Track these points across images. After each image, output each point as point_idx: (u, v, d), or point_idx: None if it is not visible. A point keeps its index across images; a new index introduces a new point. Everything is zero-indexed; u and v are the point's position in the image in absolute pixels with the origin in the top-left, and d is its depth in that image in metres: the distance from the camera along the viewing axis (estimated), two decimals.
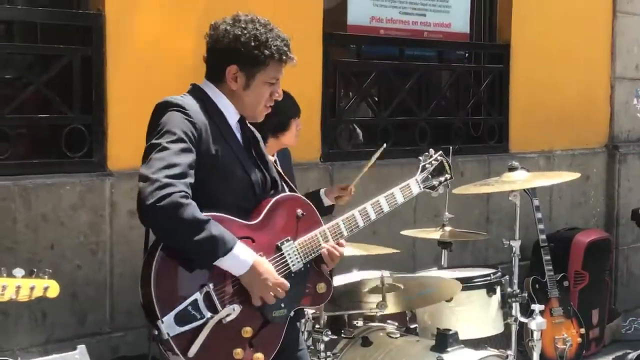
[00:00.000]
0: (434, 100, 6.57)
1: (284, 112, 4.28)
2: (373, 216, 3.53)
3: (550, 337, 5.93)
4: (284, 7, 5.23)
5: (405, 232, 5.26)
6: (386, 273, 4.32)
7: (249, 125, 3.41)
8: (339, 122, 6.00)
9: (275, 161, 4.39)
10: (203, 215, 3.02)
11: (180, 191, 2.97)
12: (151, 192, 2.95)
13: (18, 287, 3.36)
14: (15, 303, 3.51)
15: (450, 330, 4.28)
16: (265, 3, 4.93)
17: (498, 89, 6.89)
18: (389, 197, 3.61)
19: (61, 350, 3.86)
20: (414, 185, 3.73)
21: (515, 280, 4.99)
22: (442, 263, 5.12)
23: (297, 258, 3.28)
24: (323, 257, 3.33)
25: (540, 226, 6.09)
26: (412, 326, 4.74)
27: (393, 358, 4.24)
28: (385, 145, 4.49)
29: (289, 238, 3.28)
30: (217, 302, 3.07)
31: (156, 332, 2.99)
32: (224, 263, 3.07)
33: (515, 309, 4.87)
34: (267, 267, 3.16)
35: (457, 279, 4.62)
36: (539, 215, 6.09)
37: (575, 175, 5.42)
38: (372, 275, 4.38)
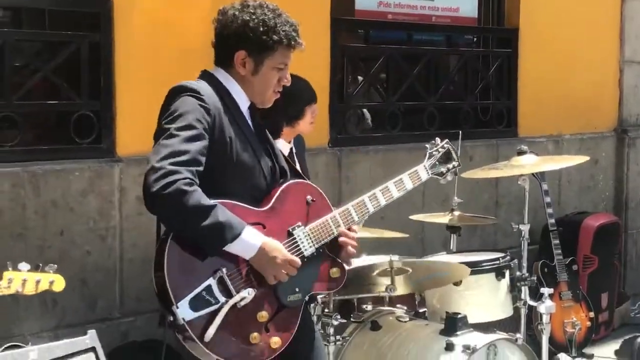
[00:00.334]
0: (442, 84, 6.55)
1: (298, 99, 4.26)
2: (383, 201, 3.53)
3: (560, 320, 5.93)
4: None
5: (414, 217, 5.26)
6: (395, 257, 4.33)
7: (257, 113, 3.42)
8: (348, 107, 6.00)
9: (291, 149, 4.40)
10: (209, 201, 3.02)
11: (185, 178, 2.97)
12: (155, 180, 2.96)
13: (24, 281, 3.38)
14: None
15: (459, 314, 4.29)
16: None
17: (506, 73, 6.87)
18: (398, 182, 3.61)
19: (71, 335, 3.86)
20: (422, 171, 3.73)
21: (525, 264, 4.99)
22: (451, 247, 5.13)
23: (309, 243, 3.29)
24: (342, 244, 3.34)
25: (549, 210, 6.09)
26: (421, 310, 4.75)
27: (402, 342, 4.25)
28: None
29: (300, 224, 3.30)
30: (231, 286, 3.09)
31: (171, 319, 3.00)
32: (233, 248, 3.08)
33: (525, 292, 4.88)
34: (276, 245, 3.17)
35: (466, 262, 4.63)
36: (547, 199, 6.08)
37: (585, 159, 5.42)
38: (381, 260, 4.38)
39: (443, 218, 5.09)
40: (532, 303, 4.91)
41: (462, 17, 6.74)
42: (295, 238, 3.27)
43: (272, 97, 3.39)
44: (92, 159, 4.71)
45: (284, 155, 3.51)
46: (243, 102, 3.33)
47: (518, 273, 4.84)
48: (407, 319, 4.45)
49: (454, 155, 3.86)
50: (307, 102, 4.35)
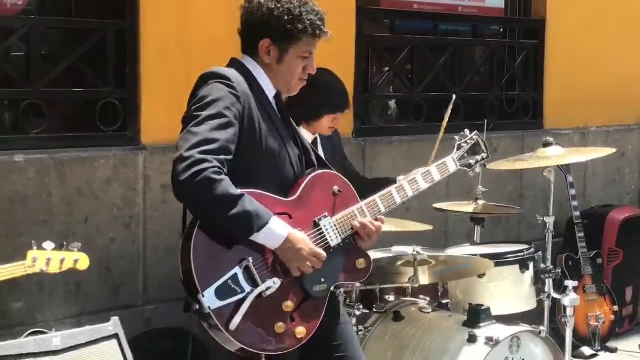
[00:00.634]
0: (468, 75, 6.52)
1: (320, 103, 4.26)
2: (410, 193, 3.51)
3: (583, 314, 5.90)
4: None
5: (437, 205, 5.24)
6: (418, 249, 4.31)
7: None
8: (372, 97, 5.98)
9: (315, 138, 4.40)
10: (237, 191, 3.02)
11: (214, 167, 2.97)
12: (184, 168, 2.95)
13: (48, 259, 3.41)
14: (48, 275, 3.56)
15: (482, 305, 4.27)
16: None
17: (533, 64, 6.83)
18: (426, 174, 3.59)
19: (95, 322, 3.88)
20: (451, 163, 3.71)
21: (549, 257, 4.96)
22: (475, 239, 5.11)
23: (335, 234, 3.28)
24: (358, 232, 3.32)
25: (574, 203, 6.05)
26: (444, 301, 4.73)
27: (424, 333, 4.24)
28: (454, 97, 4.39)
29: (326, 214, 3.29)
30: (257, 276, 3.08)
31: (197, 307, 3.00)
32: (259, 238, 3.07)
33: (549, 285, 4.86)
34: (302, 237, 3.16)
35: (490, 254, 4.61)
36: (572, 192, 6.05)
37: (611, 151, 5.38)
38: (404, 251, 4.37)
39: (467, 207, 5.07)
40: (556, 296, 4.89)
41: (489, 8, 6.70)
42: (321, 228, 3.26)
43: (298, 86, 3.38)
44: (117, 146, 4.72)
45: (311, 146, 3.50)
46: (270, 90, 3.32)
47: (542, 265, 4.82)
48: (430, 310, 4.44)
49: (483, 147, 3.84)
50: (328, 110, 4.32)
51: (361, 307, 4.25)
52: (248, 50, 3.32)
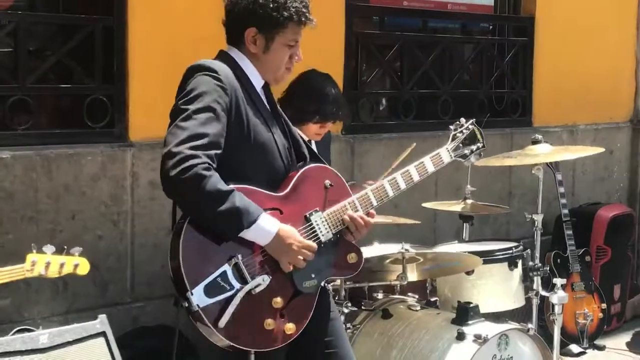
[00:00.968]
0: (457, 73, 6.52)
1: (309, 109, 4.26)
2: (403, 185, 3.47)
3: (572, 312, 5.91)
4: None
5: (426, 205, 5.24)
6: (407, 246, 4.31)
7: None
8: (361, 94, 5.97)
9: (309, 140, 4.38)
10: (226, 187, 3.00)
11: (203, 162, 2.95)
12: (173, 164, 2.93)
13: (48, 263, 3.36)
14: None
15: (471, 303, 4.28)
16: None
17: (522, 62, 6.83)
18: (419, 166, 3.54)
19: (82, 319, 3.86)
20: (445, 154, 3.66)
21: (537, 254, 4.97)
22: (463, 236, 5.10)
23: (326, 228, 3.26)
24: (348, 226, 3.30)
25: (563, 200, 6.06)
26: (433, 299, 4.74)
27: (413, 330, 4.24)
28: (414, 145, 4.41)
29: (317, 209, 3.27)
30: (246, 273, 3.07)
31: (186, 305, 2.99)
32: (248, 234, 3.06)
33: (537, 282, 4.87)
34: (292, 231, 3.15)
35: (479, 252, 4.61)
36: (561, 189, 6.06)
37: (599, 149, 5.39)
38: (393, 249, 4.37)
39: (456, 206, 5.06)
40: (544, 293, 4.90)
41: (478, 5, 6.69)
42: (312, 223, 3.24)
43: (285, 75, 3.37)
44: (105, 143, 4.70)
45: (302, 138, 3.47)
46: (257, 81, 3.30)
47: (531, 263, 4.83)
48: (419, 308, 4.44)
49: (479, 136, 3.78)
50: (320, 119, 4.32)
51: (350, 304, 4.25)
52: (234, 40, 3.31)
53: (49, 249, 3.38)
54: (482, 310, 4.31)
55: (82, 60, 4.72)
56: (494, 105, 6.73)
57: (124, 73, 4.73)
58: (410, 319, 4.32)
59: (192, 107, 3.04)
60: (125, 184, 4.73)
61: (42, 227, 4.43)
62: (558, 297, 4.72)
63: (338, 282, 4.19)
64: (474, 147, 3.76)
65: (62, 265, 3.38)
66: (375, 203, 3.39)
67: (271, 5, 3.20)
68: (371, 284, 4.44)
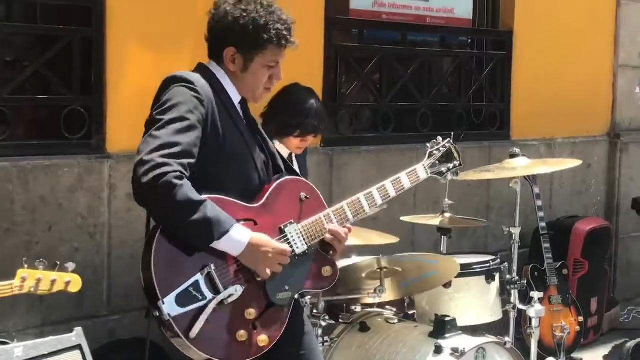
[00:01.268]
0: (436, 86, 6.54)
1: (292, 123, 4.27)
2: (379, 200, 3.47)
3: (549, 325, 5.91)
4: None
5: (404, 218, 5.24)
6: (384, 258, 4.30)
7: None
8: (340, 107, 5.97)
9: (290, 153, 4.38)
10: (198, 197, 2.99)
11: (175, 171, 2.94)
12: (144, 172, 2.92)
13: (39, 280, 3.29)
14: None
15: (448, 316, 4.28)
16: None
17: (500, 75, 6.86)
18: (395, 181, 3.54)
19: (58, 332, 3.84)
20: (421, 170, 3.66)
21: (515, 268, 4.99)
22: (442, 249, 5.11)
23: (300, 241, 3.25)
24: (329, 240, 3.29)
25: (541, 214, 6.07)
26: (411, 312, 4.73)
27: (391, 344, 4.23)
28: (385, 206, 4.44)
29: (292, 221, 3.26)
30: (219, 283, 3.06)
31: (157, 314, 2.97)
32: (220, 245, 3.05)
33: (514, 296, 4.88)
34: (265, 239, 3.13)
35: None
36: (539, 202, 6.07)
37: (577, 162, 5.42)
38: (370, 259, 4.36)
39: (434, 220, 5.07)
40: (521, 307, 4.91)
41: (457, 19, 6.72)
42: (287, 235, 3.23)
43: (264, 94, 3.37)
44: (82, 154, 4.67)
45: (278, 152, 3.48)
46: (235, 96, 3.30)
47: (508, 276, 4.84)
48: (396, 321, 4.44)
49: (455, 154, 3.77)
50: (302, 133, 4.32)
51: (327, 317, 4.23)
52: (214, 56, 3.31)
53: (40, 264, 3.31)
54: (460, 323, 4.31)
55: (59, 71, 4.69)
56: (472, 118, 6.75)
57: (102, 84, 4.71)
58: (388, 332, 4.32)
59: (166, 117, 3.04)
60: (102, 196, 4.71)
61: (18, 239, 4.39)
62: (535, 310, 4.74)
63: (313, 296, 4.17)
64: (450, 165, 3.76)
65: (53, 282, 3.31)
66: (351, 218, 3.39)
67: (251, 27, 3.20)
68: (349, 297, 4.43)
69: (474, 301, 4.72)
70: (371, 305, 4.58)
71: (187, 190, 2.96)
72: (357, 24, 6.21)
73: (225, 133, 3.17)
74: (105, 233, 4.73)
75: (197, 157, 3.06)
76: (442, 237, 5.12)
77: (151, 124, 3.06)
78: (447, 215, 5.02)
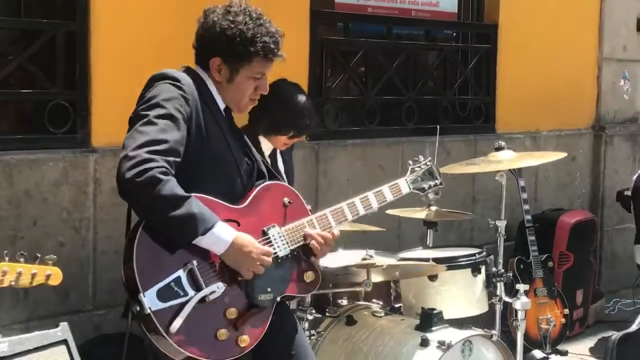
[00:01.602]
0: (421, 79, 6.54)
1: (283, 121, 4.26)
2: (362, 211, 3.52)
3: (534, 317, 5.93)
4: None
5: (390, 212, 5.24)
6: (371, 252, 4.31)
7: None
8: (326, 100, 5.97)
9: (274, 149, 4.38)
10: (183, 192, 2.98)
11: (161, 166, 2.93)
12: (130, 166, 2.91)
13: (19, 273, 3.25)
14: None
15: (434, 309, 4.28)
16: None
17: (485, 69, 6.87)
18: (378, 194, 3.59)
19: (43, 327, 3.82)
20: (404, 185, 3.71)
21: (500, 260, 5.00)
22: (428, 243, 5.12)
23: (283, 244, 3.26)
24: (312, 247, 3.30)
25: (526, 207, 6.09)
26: (397, 305, 4.74)
27: (377, 337, 4.23)
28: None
29: (275, 224, 3.26)
30: (200, 279, 3.05)
31: (137, 308, 2.96)
32: (203, 241, 3.04)
33: (500, 288, 4.89)
34: (249, 239, 3.13)
35: (442, 258, 4.62)
36: (524, 195, 6.08)
37: (562, 155, 5.44)
38: (357, 255, 4.36)
39: (420, 213, 5.07)
40: (507, 299, 4.92)
41: (442, 12, 6.72)
42: (269, 237, 3.23)
43: (248, 105, 3.37)
44: (67, 149, 4.65)
45: (262, 157, 3.49)
46: (220, 102, 3.31)
47: (494, 269, 4.84)
48: (383, 314, 4.44)
49: (436, 174, 3.84)
50: (293, 133, 4.33)
51: (314, 311, 4.23)
52: (200, 63, 3.30)
53: (21, 256, 3.29)
54: (446, 316, 4.32)
55: (43, 65, 4.67)
56: (458, 111, 6.76)
57: (87, 78, 4.69)
58: (374, 326, 4.32)
59: (152, 113, 3.03)
60: (87, 190, 4.69)
61: (3, 234, 4.37)
62: (521, 302, 4.75)
63: None
64: (431, 183, 3.82)
65: (33, 275, 3.29)
66: (333, 224, 3.39)
67: (238, 39, 3.19)
68: (335, 290, 4.43)
69: (460, 294, 4.73)
70: (358, 299, 4.58)
71: (172, 185, 2.95)
72: (342, 17, 6.21)
73: (209, 134, 3.17)
74: (90, 228, 4.71)
75: (182, 155, 3.05)
76: (428, 230, 5.13)
77: (137, 119, 3.04)
78: (433, 208, 5.03)
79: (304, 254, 3.33)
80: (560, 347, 6.14)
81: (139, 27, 4.80)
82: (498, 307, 4.96)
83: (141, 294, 2.94)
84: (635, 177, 6.55)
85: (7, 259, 3.23)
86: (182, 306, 3.00)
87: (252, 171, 3.34)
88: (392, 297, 4.74)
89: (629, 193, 6.77)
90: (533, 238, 6.08)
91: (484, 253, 4.86)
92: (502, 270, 4.89)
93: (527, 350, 5.60)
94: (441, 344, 4.04)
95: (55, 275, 3.34)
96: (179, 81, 3.12)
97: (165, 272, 3.00)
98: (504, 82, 6.89)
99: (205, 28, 3.25)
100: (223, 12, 3.23)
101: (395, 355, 4.11)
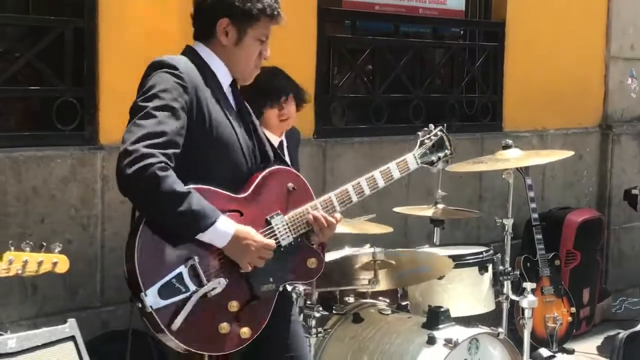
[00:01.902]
0: (429, 77, 6.54)
1: (258, 100, 4.16)
2: (367, 191, 3.41)
3: (541, 315, 5.93)
4: None
5: (397, 209, 5.25)
6: (378, 249, 4.31)
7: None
8: (333, 98, 5.97)
9: (281, 142, 4.36)
10: (183, 188, 2.95)
11: (160, 162, 2.91)
12: (129, 162, 2.89)
13: (25, 262, 3.24)
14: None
15: (441, 307, 4.28)
16: None
17: (492, 67, 6.87)
18: (385, 171, 3.48)
19: (51, 323, 3.84)
20: (411, 160, 3.58)
21: (507, 259, 5.00)
22: (434, 241, 5.12)
23: (287, 232, 3.22)
24: (313, 227, 3.25)
25: (533, 205, 6.09)
26: (404, 303, 4.74)
27: (384, 334, 4.24)
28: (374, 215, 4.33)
29: (279, 212, 3.22)
30: (202, 275, 3.02)
31: (139, 306, 2.95)
32: (205, 237, 3.02)
33: (507, 287, 4.89)
34: (249, 232, 3.09)
35: (449, 256, 4.62)
36: (531, 194, 6.08)
37: (569, 153, 5.43)
38: (364, 252, 4.37)
39: (427, 211, 5.07)
40: (514, 298, 4.92)
41: (450, 10, 6.72)
42: (272, 227, 3.20)
43: (254, 72, 3.32)
44: (75, 146, 4.66)
45: (269, 140, 3.44)
46: (224, 78, 3.26)
47: (501, 267, 4.85)
48: (389, 312, 4.44)
49: (447, 143, 3.69)
50: (269, 103, 4.28)
51: (321, 308, 4.23)
52: (203, 34, 3.26)
53: (27, 245, 3.29)
54: (453, 314, 4.32)
55: (51, 62, 4.68)
56: (465, 109, 6.76)
57: (94, 75, 4.70)
58: (381, 323, 4.32)
59: (150, 104, 3.00)
60: (95, 187, 4.70)
61: (11, 231, 4.38)
62: (528, 301, 4.75)
63: (307, 286, 4.16)
64: (441, 154, 3.68)
65: (40, 263, 3.27)
66: (338, 208, 3.33)
67: None
68: (342, 288, 4.44)
69: (467, 292, 4.73)
70: (364, 297, 4.59)
71: (172, 181, 2.92)
72: (349, 15, 6.21)
73: (211, 118, 3.12)
74: (98, 225, 4.72)
75: (182, 144, 3.02)
76: (435, 228, 5.13)
77: (135, 111, 3.02)
78: (440, 206, 5.03)
79: (308, 239, 3.28)
80: (567, 345, 6.15)
81: (147, 23, 4.80)
82: (505, 306, 4.97)
83: (143, 293, 2.93)
84: None
85: (12, 248, 3.22)
86: (183, 302, 2.98)
87: (255, 152, 3.29)
88: (399, 295, 4.75)
89: (636, 192, 6.77)
90: (540, 236, 6.08)
91: (491, 251, 4.86)
92: (509, 269, 4.89)
93: (533, 349, 5.60)
94: (448, 341, 4.04)
95: (62, 263, 3.33)
96: (177, 68, 3.08)
97: (167, 268, 2.98)
98: (511, 80, 6.88)
99: None
100: None
101: (402, 353, 4.12)
